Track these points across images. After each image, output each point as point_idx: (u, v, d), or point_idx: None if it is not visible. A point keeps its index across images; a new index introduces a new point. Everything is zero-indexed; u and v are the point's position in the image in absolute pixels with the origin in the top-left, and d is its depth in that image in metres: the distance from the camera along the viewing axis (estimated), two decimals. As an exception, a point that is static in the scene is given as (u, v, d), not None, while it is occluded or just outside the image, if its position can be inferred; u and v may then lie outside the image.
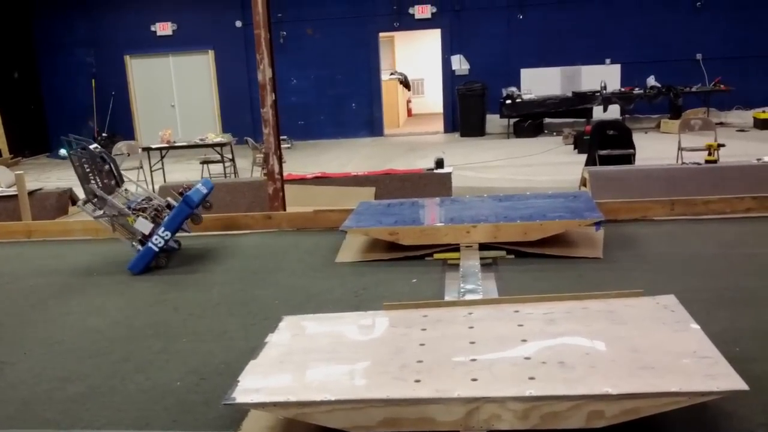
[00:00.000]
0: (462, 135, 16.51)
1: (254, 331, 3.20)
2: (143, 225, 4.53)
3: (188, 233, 4.96)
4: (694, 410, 2.04)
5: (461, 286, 3.59)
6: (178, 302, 3.81)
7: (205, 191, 4.71)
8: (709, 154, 9.27)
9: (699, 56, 16.26)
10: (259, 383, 2.24)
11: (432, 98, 21.21)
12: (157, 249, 4.48)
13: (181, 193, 4.70)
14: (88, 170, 4.67)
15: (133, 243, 4.58)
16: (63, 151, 4.68)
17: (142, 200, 4.81)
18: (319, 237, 5.14)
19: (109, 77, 17.84)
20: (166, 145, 11.85)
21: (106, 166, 4.81)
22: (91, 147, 4.78)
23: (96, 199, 4.64)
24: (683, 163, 9.51)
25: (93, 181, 4.66)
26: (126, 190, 4.94)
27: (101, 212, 4.66)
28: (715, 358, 2.12)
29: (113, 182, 4.84)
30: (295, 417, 2.12)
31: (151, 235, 4.48)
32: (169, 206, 4.71)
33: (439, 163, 8.72)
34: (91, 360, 3.04)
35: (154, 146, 11.88)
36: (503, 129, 16.19)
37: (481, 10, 16.77)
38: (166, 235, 4.48)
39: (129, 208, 4.64)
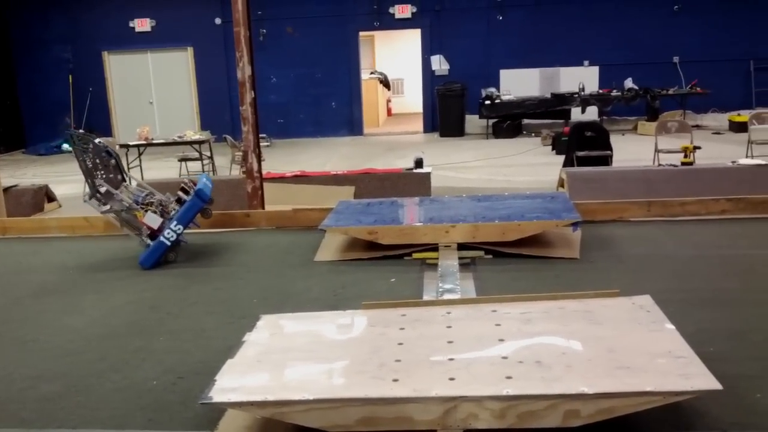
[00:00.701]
0: (441, 135, 16.56)
1: (232, 330, 3.19)
2: (152, 219, 4.49)
3: (198, 227, 4.94)
4: (668, 409, 2.06)
5: (439, 286, 3.60)
6: (154, 301, 3.78)
7: (211, 186, 4.71)
8: (685, 156, 9.38)
9: (676, 59, 16.44)
10: (237, 382, 2.23)
11: (412, 98, 21.25)
12: (168, 243, 4.45)
13: (183, 188, 4.69)
14: (92, 165, 4.63)
15: (143, 238, 4.56)
16: (66, 146, 4.67)
17: (146, 195, 4.78)
18: (298, 236, 5.13)
19: (86, 73, 17.69)
20: (144, 142, 11.77)
21: (112, 161, 4.78)
22: (96, 141, 4.75)
23: (101, 194, 4.61)
24: (660, 164, 9.61)
25: (99, 176, 4.64)
26: (128, 185, 4.91)
27: (107, 207, 4.63)
28: (690, 358, 2.14)
29: (119, 177, 4.81)
30: (273, 416, 2.12)
31: (160, 229, 4.47)
32: (179, 200, 4.68)
33: (419, 163, 8.75)
34: (67, 359, 3.01)
35: (131, 143, 11.79)
36: (482, 129, 16.26)
37: (461, 10, 16.83)
38: (179, 229, 4.46)
39: (136, 202, 4.62)
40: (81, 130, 4.85)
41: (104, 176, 4.66)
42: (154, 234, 4.51)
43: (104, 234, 5.48)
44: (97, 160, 4.66)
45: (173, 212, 4.61)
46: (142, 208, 4.56)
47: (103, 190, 4.59)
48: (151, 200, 4.68)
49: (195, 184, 4.76)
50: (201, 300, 3.79)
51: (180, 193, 4.73)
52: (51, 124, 17.56)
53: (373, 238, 4.38)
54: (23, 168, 14.18)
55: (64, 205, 8.66)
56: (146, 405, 2.51)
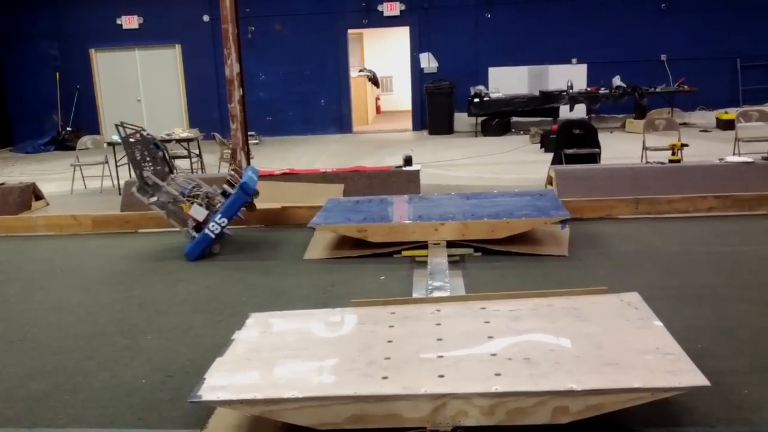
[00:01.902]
0: (430, 133, 16.54)
1: (221, 328, 3.18)
2: (198, 212, 4.52)
3: (242, 220, 4.96)
4: (656, 405, 2.07)
5: (429, 284, 3.60)
6: (143, 299, 3.77)
7: (256, 179, 4.70)
8: (673, 154, 9.40)
9: (663, 57, 16.49)
10: (226, 381, 2.22)
11: (401, 96, 21.21)
12: (213, 236, 4.48)
13: (228, 181, 4.69)
14: (140, 156, 4.63)
15: (188, 230, 4.57)
16: (115, 137, 4.67)
17: (193, 187, 4.78)
18: (287, 233, 5.13)
19: (73, 71, 17.56)
20: (132, 140, 11.70)
21: (160, 153, 4.79)
22: (145, 133, 4.75)
23: (149, 186, 4.60)
24: (647, 162, 9.63)
25: (147, 168, 4.63)
26: (175, 177, 4.90)
27: (155, 199, 4.64)
28: (678, 354, 2.15)
29: (166, 169, 4.81)
30: (262, 414, 2.12)
31: (205, 222, 4.46)
32: (224, 193, 4.67)
33: (408, 161, 8.72)
34: (55, 357, 3.00)
35: (119, 141, 11.72)
36: (471, 127, 16.26)
37: (449, 8, 16.82)
38: (223, 222, 4.48)
39: (182, 195, 4.61)
40: (130, 125, 4.84)
41: (152, 168, 4.67)
42: (199, 226, 4.53)
43: (92, 232, 5.46)
44: (145, 152, 4.68)
45: (219, 205, 4.62)
46: (188, 201, 4.58)
47: (150, 182, 4.61)
48: (198, 192, 4.69)
49: (241, 177, 4.77)
50: (189, 298, 3.78)
51: (225, 186, 4.72)
52: (38, 122, 17.44)
53: (362, 236, 4.38)
54: (10, 166, 14.08)
55: (51, 203, 8.60)
56: (135, 403, 2.51)
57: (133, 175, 10.00)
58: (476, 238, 4.30)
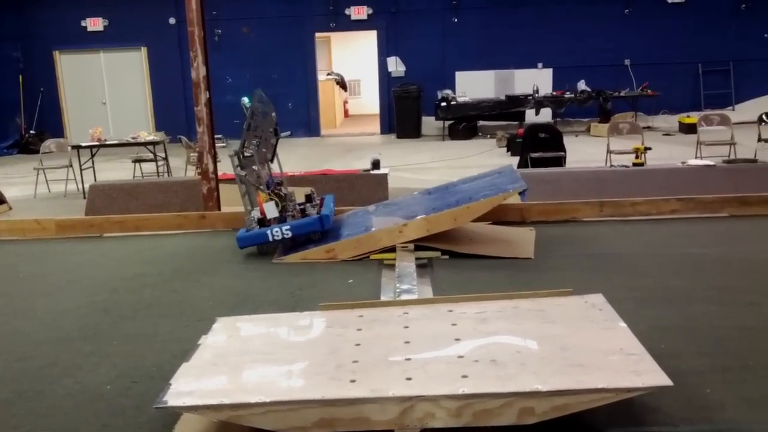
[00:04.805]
0: (398, 136, 16.61)
1: (187, 333, 3.16)
2: (271, 209, 4.49)
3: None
4: (621, 405, 2.10)
5: (397, 286, 3.62)
6: (108, 304, 3.73)
7: (332, 216, 4.68)
8: (637, 157, 9.56)
9: (627, 62, 16.74)
10: (192, 386, 2.21)
11: (369, 99, 21.24)
12: (270, 239, 4.44)
13: (308, 196, 4.75)
14: (254, 127, 4.63)
15: (251, 216, 4.56)
16: (246, 99, 4.66)
17: (277, 183, 4.76)
18: (254, 237, 5.09)
19: (37, 73, 17.33)
20: (97, 143, 11.56)
21: (273, 139, 4.75)
22: (273, 115, 4.77)
23: (245, 157, 4.60)
24: (612, 165, 9.77)
25: (253, 142, 4.61)
26: (271, 167, 4.89)
27: (243, 173, 4.61)
28: (641, 355, 2.18)
29: (269, 155, 4.78)
30: (229, 419, 2.10)
31: (270, 222, 4.46)
32: (303, 210, 4.66)
33: (376, 164, 8.76)
34: (17, 364, 2.95)
35: (84, 144, 11.56)
36: (438, 131, 16.35)
37: (416, 12, 16.90)
38: (287, 233, 4.43)
39: (267, 185, 4.59)
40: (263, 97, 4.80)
41: (257, 145, 4.65)
42: (264, 221, 4.49)
43: (56, 236, 5.38)
44: (261, 130, 4.65)
45: (290, 212, 4.61)
46: (269, 194, 4.54)
47: (248, 153, 4.57)
48: (279, 191, 4.66)
49: (321, 202, 4.78)
50: (155, 303, 3.74)
51: (306, 203, 4.74)
52: (0, 125, 17.18)
53: (331, 257, 4.37)
54: (-29, 170, 13.83)
55: (14, 207, 8.47)
56: (100, 410, 2.47)
57: (100, 178, 9.84)
58: (441, 230, 4.29)
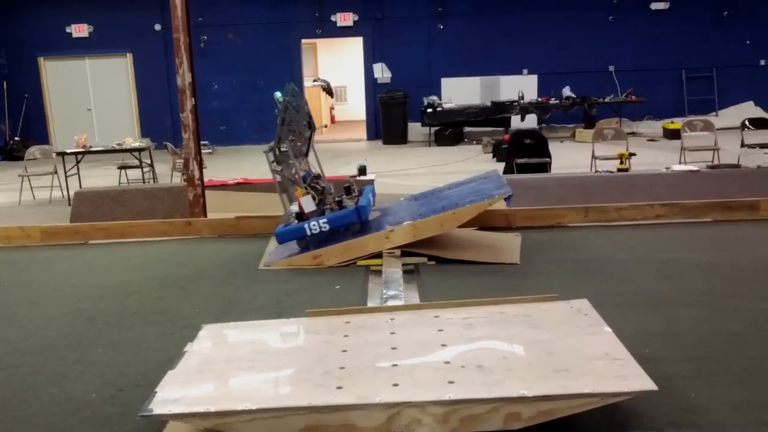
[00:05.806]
0: (385, 143, 16.64)
1: (173, 340, 3.14)
2: (308, 203, 4.44)
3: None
4: (606, 410, 2.11)
5: (384, 293, 3.61)
6: (93, 312, 3.70)
7: (373, 204, 4.65)
8: (621, 163, 9.62)
9: (612, 68, 16.86)
10: (178, 393, 2.20)
11: (355, 105, 21.28)
12: (309, 233, 4.40)
13: (346, 188, 4.68)
14: (288, 122, 4.60)
15: (291, 213, 4.52)
16: (278, 94, 4.59)
17: (314, 177, 4.72)
18: (241, 244, 5.09)
19: (21, 79, 17.23)
20: (82, 150, 11.51)
21: (307, 132, 4.72)
22: (306, 108, 4.73)
23: (280, 153, 4.56)
24: (596, 171, 9.83)
25: (288, 137, 4.57)
26: (307, 162, 4.86)
27: (279, 168, 4.58)
28: (626, 359, 2.20)
29: (304, 149, 4.75)
30: (215, 427, 2.10)
31: (308, 216, 4.42)
32: (340, 202, 4.59)
33: (362, 170, 8.77)
34: (1, 373, 2.93)
35: (69, 151, 11.51)
36: (425, 137, 16.39)
37: (402, 19, 16.95)
38: (325, 227, 4.38)
39: (304, 179, 4.55)
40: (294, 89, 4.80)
41: (292, 140, 4.61)
42: (302, 216, 4.46)
43: (41, 244, 5.35)
44: (295, 124, 4.63)
45: (329, 205, 4.58)
46: (306, 188, 4.52)
47: (283, 148, 4.54)
48: (316, 184, 4.63)
49: (360, 192, 4.73)
50: (141, 310, 3.72)
51: (344, 195, 4.68)
52: (-16, 132, 17.07)
53: (318, 263, 4.37)
54: (-46, 176, 13.72)
55: (-3, 214, 8.41)
56: (85, 418, 2.46)
57: (85, 185, 9.79)
58: (428, 236, 4.30)
